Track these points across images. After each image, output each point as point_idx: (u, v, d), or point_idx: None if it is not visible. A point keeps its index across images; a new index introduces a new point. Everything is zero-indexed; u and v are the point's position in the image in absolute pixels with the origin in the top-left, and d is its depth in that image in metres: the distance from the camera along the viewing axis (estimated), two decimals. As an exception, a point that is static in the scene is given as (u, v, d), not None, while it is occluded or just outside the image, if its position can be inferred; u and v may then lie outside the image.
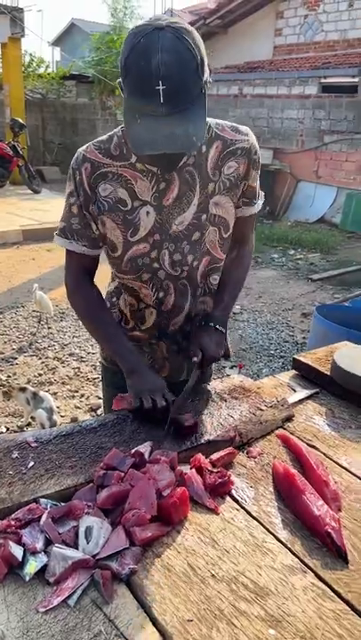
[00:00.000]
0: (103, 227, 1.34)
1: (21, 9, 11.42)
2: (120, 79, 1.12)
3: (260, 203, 1.47)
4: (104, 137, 1.34)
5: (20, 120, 10.86)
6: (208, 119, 1.33)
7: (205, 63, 1.10)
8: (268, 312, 5.43)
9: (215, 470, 1.09)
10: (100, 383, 3.70)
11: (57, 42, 26.39)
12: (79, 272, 1.45)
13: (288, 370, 4.19)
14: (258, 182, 1.44)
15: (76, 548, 0.92)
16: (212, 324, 1.43)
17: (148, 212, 1.31)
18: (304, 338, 4.73)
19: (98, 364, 4.07)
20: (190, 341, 1.45)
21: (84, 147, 1.34)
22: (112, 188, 1.30)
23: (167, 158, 1.20)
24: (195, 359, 1.36)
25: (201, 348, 1.37)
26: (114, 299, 1.53)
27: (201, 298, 1.48)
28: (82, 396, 3.64)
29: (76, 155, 1.33)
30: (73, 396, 3.63)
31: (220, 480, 1.07)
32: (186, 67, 1.04)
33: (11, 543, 0.89)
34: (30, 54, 15.01)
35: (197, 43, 1.07)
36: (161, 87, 1.02)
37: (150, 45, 1.02)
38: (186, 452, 1.18)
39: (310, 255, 7.81)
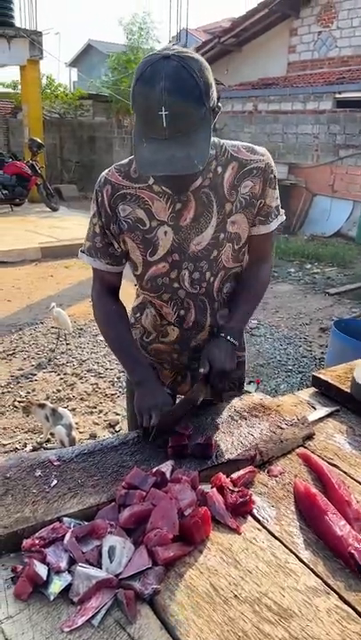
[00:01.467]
0: (125, 245, 1.41)
1: (40, 32, 11.70)
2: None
3: (276, 221, 1.47)
4: (125, 160, 1.39)
5: (39, 139, 11.07)
6: (224, 141, 1.37)
7: (212, 89, 1.15)
8: (285, 327, 5.41)
9: (236, 489, 1.09)
10: (118, 399, 3.73)
11: (74, 63, 26.92)
12: (102, 287, 1.53)
13: (306, 385, 4.16)
14: (277, 201, 1.45)
15: (100, 568, 0.92)
16: (222, 335, 1.42)
17: (165, 232, 1.36)
18: (322, 353, 4.70)
19: (116, 379, 4.09)
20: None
21: (107, 170, 1.40)
22: (131, 209, 1.36)
23: (176, 181, 1.24)
24: (201, 370, 1.35)
25: (209, 361, 1.36)
26: (137, 314, 1.58)
27: (220, 311, 1.50)
28: (100, 412, 3.66)
29: (99, 177, 1.39)
30: (91, 412, 3.65)
31: (241, 499, 1.08)
32: (188, 93, 1.09)
33: (35, 562, 0.91)
34: (47, 76, 15.35)
35: (203, 70, 1.12)
36: (163, 112, 1.08)
37: (155, 73, 1.08)
38: (206, 471, 1.18)
39: (327, 269, 7.79)
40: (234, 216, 1.38)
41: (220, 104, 1.21)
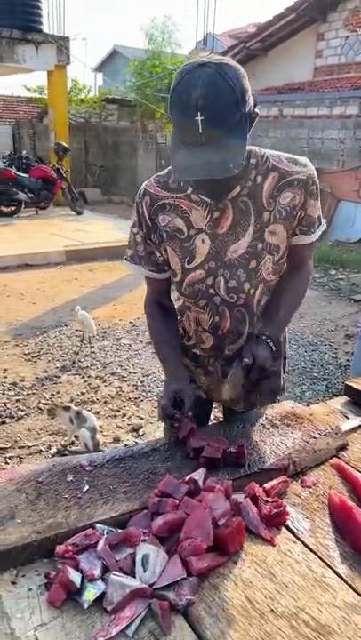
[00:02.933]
0: (166, 254, 1.44)
1: (67, 38, 11.84)
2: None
3: (318, 232, 1.45)
4: (164, 171, 1.43)
5: (64, 144, 11.19)
6: (266, 151, 1.37)
7: (248, 95, 1.16)
8: (310, 333, 5.35)
9: (270, 500, 1.06)
10: (141, 403, 3.72)
11: (100, 67, 27.19)
12: (151, 293, 1.60)
13: (332, 393, 4.10)
14: (319, 211, 1.44)
15: (133, 577, 0.91)
16: (264, 337, 1.39)
17: (203, 240, 1.37)
18: (348, 360, 4.64)
19: (139, 383, 4.09)
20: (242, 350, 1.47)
21: (147, 181, 1.44)
22: (170, 218, 1.39)
23: (213, 186, 1.26)
24: (246, 360, 1.32)
25: (252, 354, 1.34)
26: (178, 316, 1.62)
27: (260, 325, 1.49)
28: (123, 415, 3.66)
29: (139, 189, 1.43)
30: (115, 416, 3.65)
31: (275, 510, 1.06)
32: (224, 99, 1.11)
33: (69, 569, 0.90)
34: (72, 80, 15.53)
35: (238, 76, 1.14)
36: (199, 118, 1.10)
37: (191, 81, 1.11)
38: (238, 481, 1.17)
39: (352, 275, 7.69)
40: (272, 226, 1.36)
41: (256, 110, 1.21)
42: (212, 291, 1.41)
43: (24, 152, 12.52)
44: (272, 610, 0.88)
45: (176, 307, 1.63)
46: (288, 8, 10.59)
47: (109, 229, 9.72)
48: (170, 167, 1.38)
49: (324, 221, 1.48)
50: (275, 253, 1.39)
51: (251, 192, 1.34)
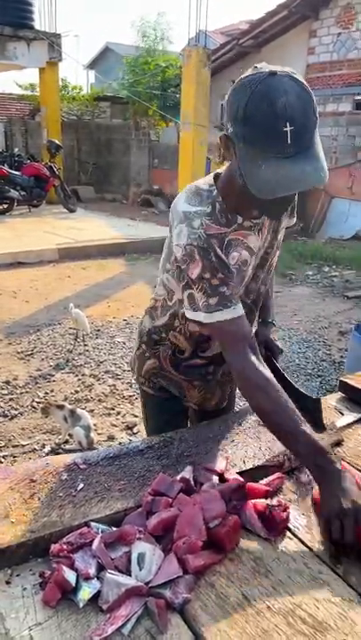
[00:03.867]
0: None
1: (59, 35, 11.79)
2: (228, 131, 1.11)
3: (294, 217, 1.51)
4: (207, 208, 1.25)
5: (57, 141, 11.15)
6: None
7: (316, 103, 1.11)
8: (303, 330, 5.36)
9: (276, 505, 1.05)
10: (136, 401, 3.71)
11: (92, 65, 27.08)
12: (249, 344, 1.27)
13: (326, 389, 4.11)
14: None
15: (129, 575, 0.91)
16: (270, 320, 1.65)
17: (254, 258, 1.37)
18: (342, 357, 4.65)
19: (133, 381, 4.08)
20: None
21: (197, 224, 1.22)
22: (238, 254, 1.29)
23: (283, 203, 1.19)
24: (278, 345, 1.62)
25: (267, 342, 1.59)
26: (163, 334, 1.50)
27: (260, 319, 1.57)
28: (118, 413, 3.65)
29: (196, 234, 1.21)
30: (109, 414, 3.64)
31: (284, 514, 1.04)
32: (307, 107, 1.05)
33: (64, 568, 0.89)
34: (62, 79, 15.44)
35: (307, 84, 1.09)
36: (288, 128, 1.02)
37: (271, 90, 1.03)
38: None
39: (345, 272, 7.71)
40: (285, 221, 1.42)
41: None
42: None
43: (16, 149, 12.47)
44: (269, 607, 0.87)
45: (161, 323, 1.49)
46: (280, 5, 10.58)
47: (102, 227, 9.70)
48: (205, 201, 1.26)
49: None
50: (280, 247, 1.44)
51: None
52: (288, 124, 1.02)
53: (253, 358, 1.21)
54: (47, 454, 3.12)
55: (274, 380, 1.20)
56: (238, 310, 1.23)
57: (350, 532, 0.99)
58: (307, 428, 1.13)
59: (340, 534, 0.99)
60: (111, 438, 3.33)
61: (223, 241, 1.25)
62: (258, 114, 1.04)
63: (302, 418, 1.15)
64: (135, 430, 3.43)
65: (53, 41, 11.56)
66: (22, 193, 10.45)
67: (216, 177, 1.29)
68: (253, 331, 1.53)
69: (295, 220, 1.49)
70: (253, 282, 1.40)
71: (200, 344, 1.46)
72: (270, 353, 1.60)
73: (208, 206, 1.25)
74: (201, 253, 1.21)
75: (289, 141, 1.03)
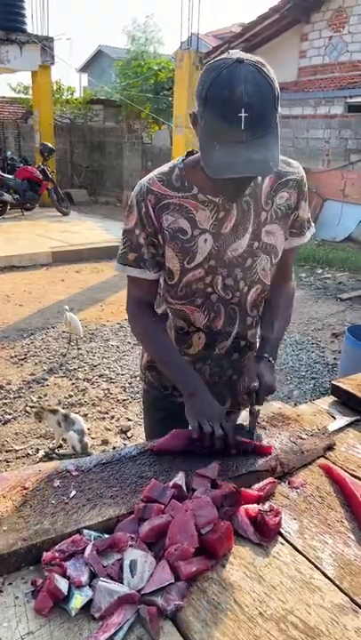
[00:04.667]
0: (165, 255, 1.39)
1: (51, 38, 11.79)
2: (195, 110, 1.17)
3: (309, 233, 1.50)
4: (165, 168, 1.38)
5: (50, 144, 11.15)
6: None
7: (280, 96, 1.14)
8: (297, 332, 5.38)
9: (268, 510, 1.05)
10: (130, 405, 3.71)
11: (84, 68, 27.10)
12: (143, 298, 1.49)
13: (320, 392, 4.13)
14: (308, 213, 1.48)
15: (121, 582, 0.90)
16: (266, 356, 1.42)
17: (206, 240, 1.35)
18: (335, 359, 4.67)
19: (127, 385, 4.07)
20: (236, 372, 1.50)
21: (147, 179, 1.37)
22: (173, 219, 1.34)
23: (237, 186, 1.25)
24: (255, 384, 1.33)
25: (258, 376, 1.35)
26: None
27: (253, 330, 1.51)
28: (112, 417, 3.64)
29: (139, 187, 1.36)
30: (103, 418, 3.63)
31: (275, 519, 1.04)
32: (266, 97, 1.09)
33: (56, 576, 0.89)
34: (56, 81, 15.43)
35: (273, 76, 1.12)
36: (243, 114, 1.06)
37: (233, 76, 1.07)
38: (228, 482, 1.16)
39: (338, 274, 7.74)
40: (268, 225, 1.39)
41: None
42: (209, 289, 1.40)
43: (9, 153, 12.44)
44: (261, 613, 0.87)
45: (160, 312, 1.56)
46: (272, 8, 10.62)
47: (96, 230, 9.69)
48: (171, 164, 1.37)
49: (313, 224, 1.52)
50: (272, 255, 1.41)
51: (252, 192, 1.35)
52: (243, 111, 1.06)
53: (139, 309, 1.48)
54: (41, 459, 3.11)
55: (155, 324, 1.47)
56: (149, 275, 1.41)
57: (218, 428, 1.24)
58: (178, 359, 1.43)
59: (211, 430, 1.23)
60: (105, 442, 3.32)
61: (160, 201, 1.33)
62: (217, 98, 1.09)
63: (175, 354, 1.44)
64: (129, 434, 3.43)
65: (46, 44, 11.56)
66: (15, 196, 10.44)
67: (190, 152, 1.38)
68: (234, 332, 1.47)
69: (304, 237, 1.48)
70: (230, 279, 1.39)
71: (182, 338, 1.49)
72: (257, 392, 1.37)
73: (167, 169, 1.36)
74: (134, 204, 1.36)
75: (243, 127, 1.07)
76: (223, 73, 1.08)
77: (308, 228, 1.50)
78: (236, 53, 1.11)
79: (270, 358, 1.42)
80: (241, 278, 1.40)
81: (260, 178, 1.34)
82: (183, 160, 1.37)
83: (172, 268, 1.39)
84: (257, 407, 1.36)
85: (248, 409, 1.37)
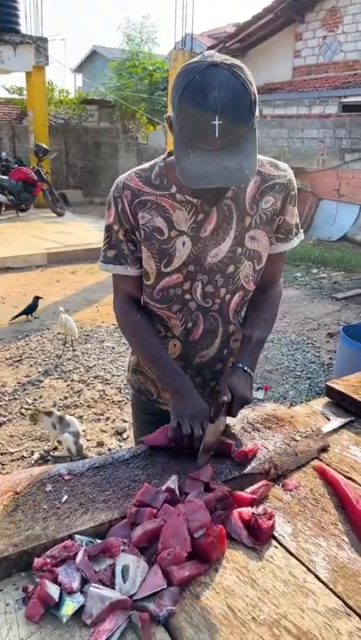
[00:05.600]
0: (141, 254, 1.36)
1: (45, 39, 11.76)
2: (170, 114, 1.14)
3: (297, 239, 1.45)
4: (146, 165, 1.35)
5: (44, 145, 11.12)
6: None
7: (257, 99, 1.11)
8: (292, 332, 5.38)
9: (261, 513, 1.04)
10: (125, 406, 3.70)
11: (79, 68, 27.06)
12: (129, 295, 1.46)
13: (315, 392, 4.12)
14: (296, 218, 1.43)
15: (113, 588, 0.90)
16: (240, 366, 1.37)
17: (184, 243, 1.32)
18: (331, 359, 4.67)
19: (122, 386, 4.06)
20: (219, 382, 1.43)
21: (126, 174, 1.35)
22: (150, 217, 1.31)
23: (215, 191, 1.21)
24: (224, 398, 1.29)
25: (230, 389, 1.31)
26: None
27: (234, 336, 1.47)
28: (107, 419, 3.63)
29: (116, 182, 1.34)
30: (98, 420, 3.62)
31: (269, 522, 1.03)
32: (240, 103, 1.05)
33: (47, 582, 0.88)
34: (48, 82, 15.38)
35: (250, 80, 1.08)
36: (217, 122, 1.03)
37: (206, 81, 1.03)
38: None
39: (334, 274, 7.75)
40: (253, 231, 1.35)
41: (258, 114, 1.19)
42: (188, 296, 1.36)
43: (3, 154, 12.40)
44: (254, 618, 0.87)
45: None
46: (266, 8, 10.63)
47: (91, 231, 9.67)
48: (152, 162, 1.34)
49: (301, 231, 1.47)
50: (255, 261, 1.37)
51: (234, 195, 1.30)
52: (217, 119, 1.03)
53: (125, 306, 1.46)
54: (36, 461, 3.10)
55: (141, 322, 1.42)
56: (132, 271, 1.39)
57: (198, 428, 1.23)
58: (164, 357, 1.39)
59: (190, 431, 1.22)
60: (101, 444, 3.31)
61: (137, 197, 1.31)
62: (190, 104, 1.05)
63: (162, 352, 1.40)
64: (125, 436, 3.42)
65: (40, 45, 11.54)
66: (10, 197, 10.41)
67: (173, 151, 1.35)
68: (217, 341, 1.44)
69: (291, 242, 1.43)
70: (210, 285, 1.36)
71: (166, 342, 1.46)
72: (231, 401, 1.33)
73: (147, 166, 1.34)
74: (112, 200, 1.34)
75: (217, 135, 1.04)
76: (196, 78, 1.04)
77: (296, 235, 1.44)
78: (211, 56, 1.07)
79: (245, 368, 1.36)
80: (222, 285, 1.36)
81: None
82: (165, 158, 1.33)
83: (149, 270, 1.36)
84: (223, 419, 1.32)
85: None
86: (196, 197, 1.28)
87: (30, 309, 5.44)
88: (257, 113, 1.11)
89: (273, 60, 11.68)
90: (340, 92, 10.14)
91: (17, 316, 5.40)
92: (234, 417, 1.33)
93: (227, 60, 1.07)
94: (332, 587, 0.94)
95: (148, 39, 16.08)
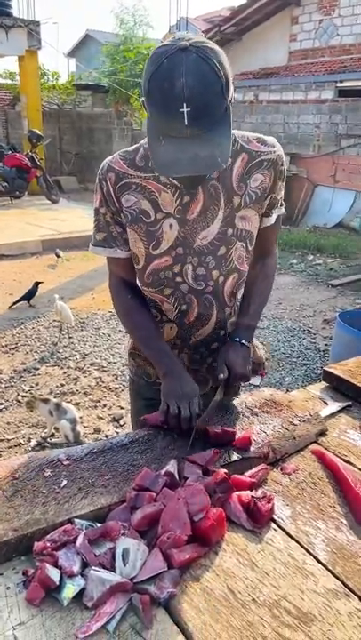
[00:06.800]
0: (128, 237, 1.35)
1: (38, 22, 11.58)
2: (143, 99, 1.12)
3: (276, 212, 1.42)
4: (131, 147, 1.34)
5: (38, 131, 10.99)
6: (234, 131, 1.31)
7: (230, 82, 1.09)
8: (288, 319, 5.38)
9: (261, 496, 1.04)
10: (122, 393, 3.70)
11: (72, 53, 26.69)
12: (122, 277, 1.46)
13: (311, 378, 4.14)
14: (282, 193, 1.41)
15: (114, 571, 0.90)
16: (237, 339, 1.39)
17: (171, 225, 1.31)
18: (326, 345, 4.68)
19: (119, 373, 4.06)
20: (216, 359, 1.43)
21: (111, 157, 1.34)
22: (135, 199, 1.30)
23: (190, 177, 1.20)
24: (221, 376, 1.31)
25: (227, 365, 1.33)
26: None
27: (231, 319, 1.46)
28: (104, 405, 3.64)
29: (102, 164, 1.33)
30: (95, 406, 3.63)
31: (268, 505, 1.04)
32: (210, 88, 1.03)
33: (47, 566, 0.88)
34: (40, 67, 15.16)
35: (222, 62, 1.06)
36: (185, 110, 1.01)
37: (174, 68, 1.01)
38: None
39: (329, 260, 7.75)
40: (243, 211, 1.33)
41: (235, 95, 1.16)
42: (179, 279, 1.35)
43: (-4, 140, 12.27)
44: (254, 599, 0.87)
45: None
46: (261, -9, 10.50)
47: (86, 217, 9.60)
48: (137, 144, 1.33)
49: (283, 204, 1.44)
50: (247, 241, 1.36)
51: (221, 175, 1.29)
52: (185, 106, 1.01)
53: (118, 288, 1.46)
54: (33, 448, 3.10)
55: (134, 303, 1.42)
56: (122, 254, 1.38)
57: (186, 409, 1.24)
58: (155, 339, 1.39)
59: (177, 412, 1.24)
60: (98, 431, 3.32)
61: (121, 179, 1.29)
62: (157, 91, 1.04)
63: (153, 333, 1.40)
64: (122, 422, 3.42)
65: (32, 28, 11.36)
66: (4, 184, 10.31)
67: None
68: (213, 321, 1.42)
69: (273, 216, 1.41)
70: (202, 268, 1.34)
71: (162, 325, 1.46)
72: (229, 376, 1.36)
73: (132, 148, 1.32)
74: (98, 185, 1.32)
75: (186, 123, 1.02)
76: (164, 64, 1.02)
77: (280, 206, 1.42)
78: (183, 38, 1.04)
79: (243, 341, 1.37)
80: (214, 267, 1.35)
81: (229, 160, 1.26)
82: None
83: (138, 253, 1.35)
84: (218, 397, 1.34)
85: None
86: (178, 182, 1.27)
87: (30, 295, 5.42)
88: (230, 96, 1.09)
89: (269, 44, 11.56)
90: (336, 77, 10.05)
91: (16, 302, 5.38)
92: (232, 395, 1.33)
93: (198, 42, 1.04)
94: (331, 568, 0.95)
95: (142, 22, 15.88)
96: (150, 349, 1.42)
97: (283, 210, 1.45)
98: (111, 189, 1.31)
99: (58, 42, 28.38)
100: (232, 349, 1.36)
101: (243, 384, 1.56)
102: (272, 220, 1.41)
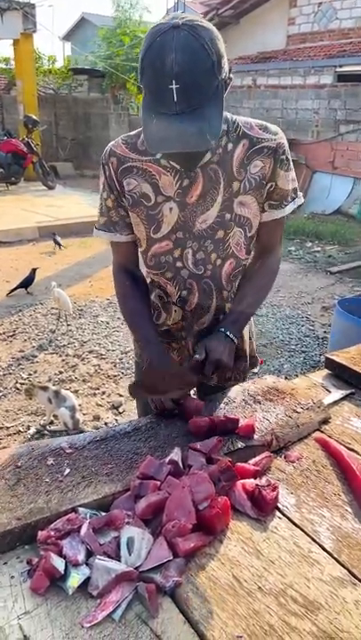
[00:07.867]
0: (131, 221, 1.37)
1: (33, 5, 11.39)
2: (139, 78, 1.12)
3: (293, 205, 1.38)
4: (133, 132, 1.35)
5: (34, 116, 10.87)
6: (237, 117, 1.31)
7: (224, 60, 1.09)
8: (287, 306, 5.37)
9: (265, 484, 1.04)
10: (121, 381, 3.70)
11: (68, 36, 26.32)
12: (123, 261, 1.49)
13: (310, 365, 4.14)
14: (293, 183, 1.37)
15: (119, 560, 0.89)
16: (222, 330, 1.36)
17: (171, 209, 1.31)
18: (325, 332, 4.67)
19: (118, 361, 4.06)
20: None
21: (114, 141, 1.35)
22: (136, 183, 1.31)
23: (185, 156, 1.21)
24: (196, 357, 1.29)
25: (206, 350, 1.30)
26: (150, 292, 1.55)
27: (228, 303, 1.46)
28: (103, 393, 3.63)
29: (105, 149, 1.35)
30: (94, 394, 3.62)
31: (273, 493, 1.03)
32: (200, 65, 1.04)
33: (52, 555, 0.88)
34: (35, 50, 14.95)
35: (214, 40, 1.06)
36: (174, 86, 1.02)
37: (165, 44, 1.03)
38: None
39: (328, 247, 7.71)
40: (242, 196, 1.31)
41: (231, 75, 1.16)
42: (179, 263, 1.36)
43: (-8, 125, 12.13)
44: (260, 587, 0.87)
45: (148, 281, 1.54)
46: (260, -27, 10.34)
47: (82, 204, 9.53)
48: (140, 129, 1.30)
49: (301, 195, 1.41)
50: (246, 227, 1.35)
51: (221, 159, 1.28)
52: (174, 82, 1.02)
53: (118, 272, 1.49)
54: (32, 436, 3.10)
55: (129, 288, 1.45)
56: (121, 238, 1.41)
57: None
58: (143, 326, 1.43)
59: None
60: (97, 418, 3.31)
61: (123, 163, 1.31)
62: (150, 68, 1.06)
63: (142, 320, 1.43)
64: (121, 410, 3.42)
65: (27, 11, 11.18)
66: (0, 170, 10.21)
67: None
68: (213, 306, 1.43)
69: (286, 209, 1.37)
70: (201, 252, 1.35)
71: (165, 306, 1.49)
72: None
73: (134, 132, 1.33)
74: (101, 169, 1.34)
75: (175, 99, 1.04)
76: (157, 41, 1.04)
77: (293, 200, 1.38)
78: (177, 17, 1.06)
79: (228, 333, 1.35)
80: (212, 251, 1.35)
81: (230, 145, 1.27)
82: None
83: (139, 236, 1.38)
84: (192, 376, 1.33)
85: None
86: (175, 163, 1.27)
87: (28, 282, 5.38)
88: (224, 74, 1.10)
89: (267, 27, 11.40)
90: (335, 62, 9.92)
91: (14, 290, 5.34)
92: (207, 378, 1.33)
93: (191, 21, 1.06)
94: (336, 556, 0.94)
95: (138, 4, 15.64)
96: (137, 334, 1.49)
97: (301, 199, 1.41)
98: (113, 174, 1.32)
99: (53, 25, 28.00)
100: (215, 337, 1.35)
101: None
102: (286, 211, 1.38)
